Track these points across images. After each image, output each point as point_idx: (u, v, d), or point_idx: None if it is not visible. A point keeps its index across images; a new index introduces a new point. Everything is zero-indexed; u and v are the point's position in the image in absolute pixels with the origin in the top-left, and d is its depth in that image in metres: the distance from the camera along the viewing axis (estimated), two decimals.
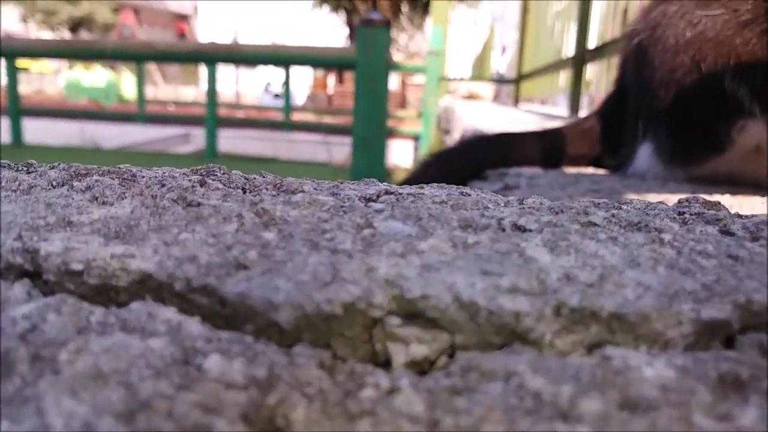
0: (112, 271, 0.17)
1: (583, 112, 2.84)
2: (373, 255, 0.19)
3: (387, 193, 0.26)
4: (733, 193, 0.65)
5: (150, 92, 14.59)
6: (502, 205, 0.25)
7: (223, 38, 14.78)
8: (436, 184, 0.31)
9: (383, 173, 2.53)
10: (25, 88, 15.80)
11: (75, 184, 0.24)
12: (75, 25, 17.63)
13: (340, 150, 6.16)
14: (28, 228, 0.19)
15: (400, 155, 7.40)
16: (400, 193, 0.26)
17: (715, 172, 0.70)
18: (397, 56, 11.90)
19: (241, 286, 0.16)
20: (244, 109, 11.81)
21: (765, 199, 0.62)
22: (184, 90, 16.52)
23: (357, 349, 0.17)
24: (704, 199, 0.30)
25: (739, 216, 0.28)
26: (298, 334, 0.17)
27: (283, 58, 2.52)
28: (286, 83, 8.75)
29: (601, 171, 0.84)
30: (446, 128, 4.15)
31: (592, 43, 2.74)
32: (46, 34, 18.08)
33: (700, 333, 0.17)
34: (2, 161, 0.31)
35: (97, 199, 0.22)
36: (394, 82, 11.77)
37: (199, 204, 0.23)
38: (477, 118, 2.91)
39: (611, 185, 0.72)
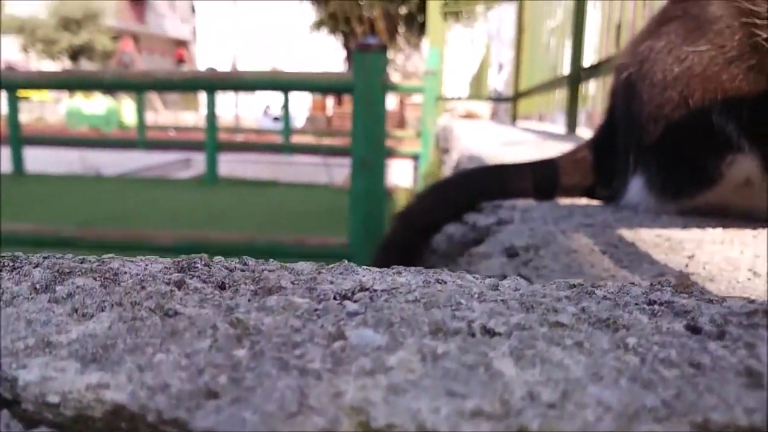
0: (87, 403, 0.18)
1: (580, 129, 2.86)
2: (342, 375, 0.20)
3: (362, 289, 0.26)
4: (725, 226, 0.65)
5: (150, 118, 14.72)
6: (476, 297, 0.25)
7: (222, 63, 14.95)
8: (413, 269, 0.30)
9: (383, 195, 2.54)
10: (26, 116, 15.95)
11: (57, 289, 0.24)
12: (75, 54, 17.85)
13: (340, 171, 6.19)
14: (8, 353, 0.19)
15: (400, 175, 7.43)
16: (375, 290, 0.26)
17: (707, 205, 0.71)
18: (394, 76, 12.01)
19: (210, 420, 0.16)
20: (243, 132, 11.91)
21: (755, 232, 0.63)
22: (185, 115, 16.66)
23: None
24: (675, 282, 0.29)
25: (710, 301, 0.27)
26: None
27: (280, 84, 2.54)
28: (285, 106, 8.82)
29: (594, 202, 0.85)
30: (445, 147, 4.17)
31: (587, 61, 2.76)
32: (47, 63, 18.30)
33: None
34: None
35: (77, 311, 0.23)
36: (392, 102, 11.87)
37: (176, 313, 0.23)
38: (475, 138, 2.93)
39: (604, 218, 0.72)
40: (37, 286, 0.26)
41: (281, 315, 0.24)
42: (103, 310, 0.24)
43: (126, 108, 11.65)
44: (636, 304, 0.26)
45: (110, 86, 2.39)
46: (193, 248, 1.91)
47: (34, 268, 0.29)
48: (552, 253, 0.61)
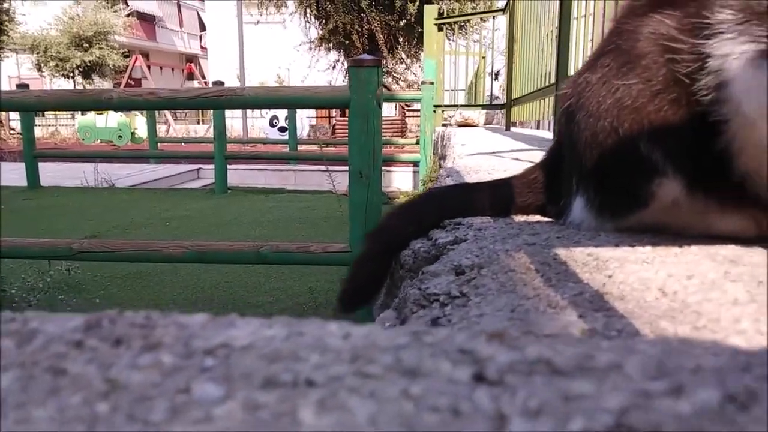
0: None
1: None
2: (175, 425, 0.23)
3: (225, 346, 0.30)
4: (655, 244, 0.71)
5: (162, 131, 14.99)
6: (318, 349, 0.29)
7: (231, 76, 15.17)
8: (282, 319, 0.34)
9: (380, 203, 2.63)
10: (41, 131, 16.26)
11: None
12: (87, 71, 18.17)
13: (345, 178, 6.35)
14: None
15: (402, 181, 7.58)
16: (235, 347, 0.30)
17: (641, 223, 0.76)
18: (396, 86, 12.17)
19: None
20: (252, 143, 12.11)
21: (680, 250, 0.69)
22: (195, 127, 16.91)
23: None
24: (491, 332, 0.32)
25: (513, 348, 0.30)
26: None
27: (280, 100, 2.68)
28: (292, 118, 9.00)
29: (545, 219, 0.91)
30: (442, 154, 4.30)
31: (572, 70, 2.88)
32: (60, 80, 18.65)
33: None
34: None
35: None
36: (392, 109, 12.02)
37: (64, 372, 0.27)
38: (465, 146, 3.06)
39: (547, 236, 0.78)
40: None
41: (148, 371, 0.26)
42: (8, 370, 0.27)
43: (138, 122, 11.87)
44: (447, 352, 0.28)
45: (118, 106, 2.55)
46: (202, 258, 2.18)
47: None
48: (492, 272, 0.65)
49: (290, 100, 2.56)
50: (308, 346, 0.30)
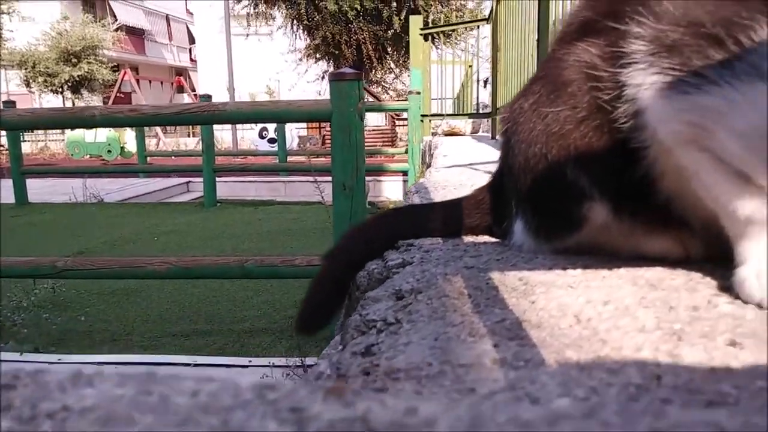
0: None
1: None
2: None
3: (64, 408, 0.30)
4: (587, 266, 0.73)
5: (152, 144, 14.96)
6: (153, 415, 0.30)
7: (221, 88, 15.19)
8: (142, 376, 0.34)
9: (364, 214, 2.63)
10: (30, 147, 16.18)
11: None
12: (76, 86, 18.15)
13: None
14: None
15: (392, 190, 7.60)
16: (74, 410, 0.30)
17: (578, 245, 0.78)
18: (385, 95, 12.22)
19: None
20: (241, 155, 12.10)
21: (608, 273, 0.70)
22: (186, 140, 16.89)
23: None
24: (330, 386, 0.33)
25: (349, 405, 0.30)
26: None
27: (262, 115, 2.68)
28: (281, 129, 9.01)
29: (492, 240, 0.93)
30: (429, 164, 4.32)
31: None
32: (49, 96, 18.62)
33: None
34: None
35: None
36: (382, 118, 12.07)
37: None
38: (450, 156, 3.08)
39: (487, 259, 0.80)
40: None
41: None
42: None
43: (128, 136, 11.84)
44: (279, 411, 0.29)
45: (101, 123, 2.54)
46: (187, 273, 2.16)
47: None
48: (428, 297, 0.66)
49: (272, 114, 2.57)
50: (149, 406, 0.30)
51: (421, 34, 5.56)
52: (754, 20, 0.54)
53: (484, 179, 1.02)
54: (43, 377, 0.34)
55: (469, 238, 0.94)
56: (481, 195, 0.95)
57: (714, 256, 0.67)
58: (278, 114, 2.53)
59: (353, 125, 2.44)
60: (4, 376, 0.34)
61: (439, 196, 1.44)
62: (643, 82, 0.63)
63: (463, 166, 2.34)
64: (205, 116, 2.52)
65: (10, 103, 6.69)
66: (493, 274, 0.73)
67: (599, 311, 0.58)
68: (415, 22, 5.75)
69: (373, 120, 12.59)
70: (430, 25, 5.78)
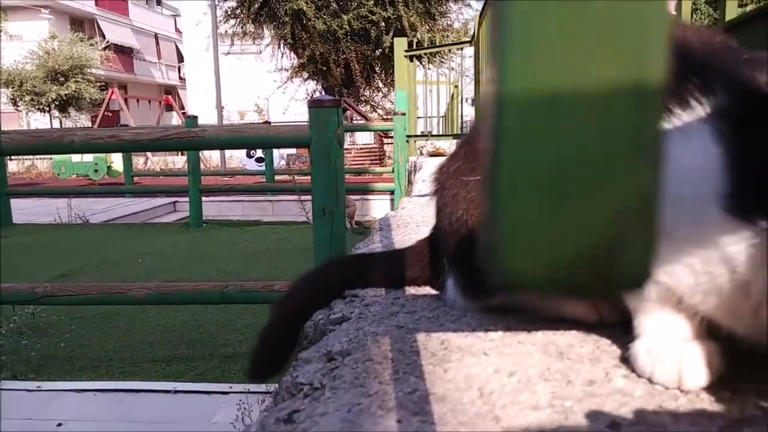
0: None
1: None
2: None
3: None
4: (509, 328, 0.75)
5: (140, 162, 14.90)
6: None
7: (210, 106, 15.21)
8: None
9: (344, 238, 2.63)
10: (17, 165, 16.07)
11: None
12: (64, 104, 18.11)
13: None
14: None
15: (379, 210, 7.62)
16: None
17: (502, 304, 0.79)
18: (373, 114, 12.30)
19: None
20: (228, 174, 12.08)
21: (526, 336, 0.72)
22: (174, 158, 16.86)
23: None
24: None
25: None
26: None
27: (242, 141, 2.68)
28: (269, 149, 9.01)
29: (432, 292, 0.94)
30: (414, 183, 4.35)
31: None
32: (36, 114, 18.55)
33: None
34: None
35: None
36: (370, 137, 12.14)
37: None
38: (429, 182, 3.10)
39: (420, 317, 0.81)
40: None
41: None
42: None
43: (115, 155, 11.77)
44: None
45: (80, 149, 2.54)
46: (166, 299, 2.14)
47: None
48: (354, 360, 0.67)
49: (252, 140, 2.58)
50: None
51: (406, 56, 5.62)
52: None
53: None
54: None
55: (411, 290, 0.96)
56: (422, 247, 0.96)
57: (626, 320, 0.68)
58: (257, 140, 2.54)
59: (332, 151, 2.45)
60: None
61: (399, 234, 1.47)
62: None
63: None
64: (185, 142, 2.52)
65: None
66: (419, 335, 0.74)
67: (503, 383, 0.59)
68: (400, 44, 5.81)
69: (362, 138, 12.63)
70: (416, 46, 5.83)
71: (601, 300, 0.73)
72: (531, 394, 0.57)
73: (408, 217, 1.76)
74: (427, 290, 0.95)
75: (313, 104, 2.52)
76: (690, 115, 0.53)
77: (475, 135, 0.80)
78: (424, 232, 1.01)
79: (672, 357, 0.56)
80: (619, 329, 0.69)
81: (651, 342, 0.58)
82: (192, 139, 2.48)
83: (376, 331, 0.77)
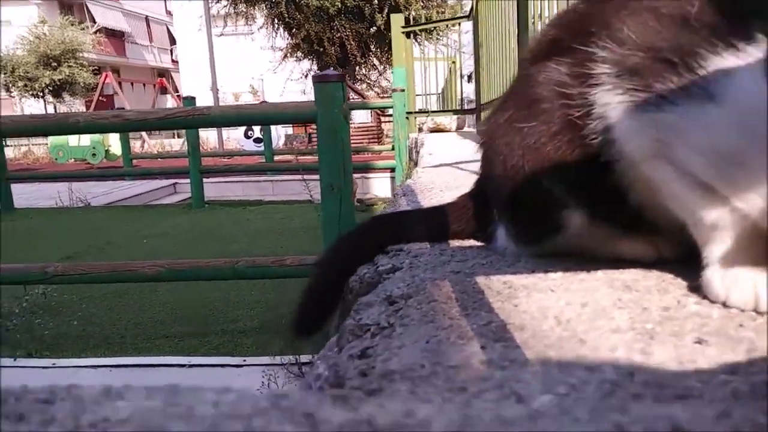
0: None
1: None
2: None
3: (104, 420, 0.34)
4: (567, 269, 0.77)
5: (137, 146, 14.84)
6: (183, 422, 0.34)
7: (204, 89, 15.09)
8: (166, 388, 0.38)
9: (352, 213, 2.65)
10: (13, 152, 15.98)
11: None
12: (57, 89, 17.93)
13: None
14: None
15: (380, 187, 7.65)
16: (113, 420, 0.35)
17: (557, 249, 0.82)
18: (369, 92, 12.24)
19: None
20: (227, 155, 12.06)
21: (585, 276, 0.74)
22: (170, 141, 16.79)
23: None
24: (333, 396, 0.37)
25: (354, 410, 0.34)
26: None
27: (247, 118, 2.70)
28: (267, 129, 9.00)
29: (477, 244, 0.96)
30: (416, 161, 4.36)
31: None
32: (30, 100, 18.38)
33: None
34: None
35: None
36: (368, 116, 12.10)
37: None
38: (436, 155, 3.12)
39: (473, 263, 0.84)
40: None
41: None
42: None
43: (112, 139, 11.72)
44: (294, 416, 0.34)
45: (85, 130, 2.55)
46: (178, 276, 2.20)
47: None
48: (418, 302, 0.68)
49: (257, 117, 2.59)
50: (177, 415, 0.35)
51: (402, 32, 5.60)
52: (703, 49, 0.59)
53: (469, 180, 1.05)
54: (77, 392, 0.38)
55: (455, 243, 0.97)
56: (465, 202, 0.99)
57: (683, 257, 0.71)
58: (263, 117, 2.56)
59: (339, 126, 2.47)
60: (41, 392, 0.37)
61: (425, 198, 1.47)
62: (610, 101, 0.67)
63: (449, 165, 2.38)
64: (191, 120, 2.54)
65: None
66: (478, 278, 0.76)
67: (578, 313, 0.61)
68: (397, 20, 5.78)
69: (359, 117, 12.60)
70: (412, 23, 5.81)
71: (659, 236, 0.75)
72: (608, 320, 0.58)
73: (429, 183, 1.76)
74: (471, 243, 0.97)
75: (319, 79, 2.53)
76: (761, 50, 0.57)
77: (522, 85, 0.81)
78: (450, 195, 1.04)
79: (747, 281, 0.59)
80: (679, 266, 0.71)
81: (724, 269, 0.61)
82: (198, 117, 2.51)
83: (432, 277, 0.78)
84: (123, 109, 12.82)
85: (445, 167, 2.31)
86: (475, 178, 1.02)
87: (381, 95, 11.64)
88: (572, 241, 0.79)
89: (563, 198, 0.75)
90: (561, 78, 0.74)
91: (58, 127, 2.91)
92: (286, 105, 2.55)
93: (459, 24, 5.71)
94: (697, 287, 0.64)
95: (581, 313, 0.61)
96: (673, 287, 0.67)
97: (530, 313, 0.62)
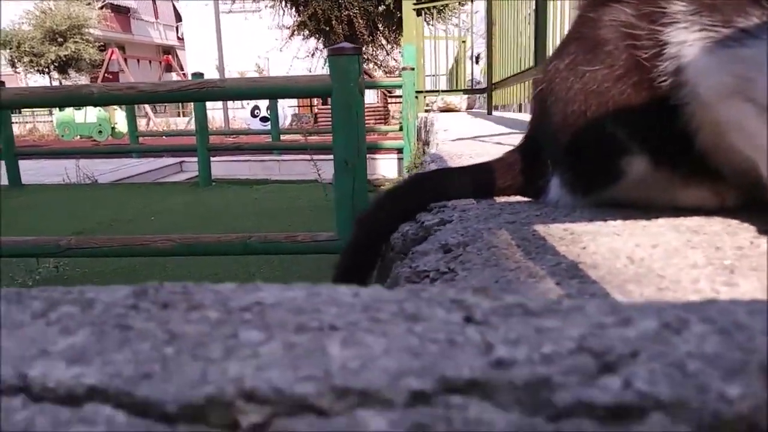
0: (72, 386, 0.27)
1: None
2: (230, 360, 0.28)
3: (258, 303, 0.35)
4: (625, 217, 0.76)
5: (142, 124, 14.82)
6: (335, 303, 0.35)
7: (209, 66, 15.01)
8: (299, 285, 0.39)
9: (366, 190, 2.64)
10: (18, 128, 15.98)
11: (50, 315, 0.34)
12: (63, 65, 17.87)
13: (329, 166, 6.37)
14: (20, 359, 0.29)
15: (387, 168, 7.62)
16: (266, 304, 0.35)
17: (613, 199, 0.80)
18: (376, 72, 12.15)
19: (146, 391, 0.26)
20: (234, 134, 12.03)
21: (647, 223, 0.73)
22: (176, 120, 16.74)
23: (219, 422, 0.26)
24: (474, 288, 0.38)
25: (495, 299, 0.35)
26: (181, 417, 0.26)
27: (261, 91, 2.68)
28: (273, 107, 8.96)
29: (525, 199, 0.95)
30: (426, 140, 4.34)
31: (551, 51, 2.91)
32: (36, 76, 18.32)
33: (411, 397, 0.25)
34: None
35: (62, 331, 0.32)
36: (374, 96, 12.02)
37: (129, 327, 0.32)
38: (451, 131, 3.10)
39: (526, 215, 0.82)
40: (35, 314, 0.35)
41: (198, 325, 0.32)
42: (81, 328, 0.32)
43: (118, 116, 11.70)
44: (441, 302, 0.34)
45: (98, 101, 2.54)
46: (190, 250, 2.20)
47: (33, 300, 0.37)
48: (477, 248, 0.68)
49: (271, 90, 2.57)
50: (325, 302, 0.35)
51: (414, 9, 5.53)
52: None
53: (498, 150, 1.03)
54: (212, 287, 0.38)
55: (501, 199, 0.96)
56: (512, 157, 0.97)
57: (748, 205, 0.70)
58: (276, 90, 2.53)
59: (354, 101, 2.43)
60: (180, 286, 0.38)
61: (456, 164, 1.44)
62: (686, 39, 0.66)
63: (469, 139, 2.36)
64: (204, 93, 2.51)
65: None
66: (536, 226, 0.74)
67: (650, 253, 0.60)
68: None
69: (366, 97, 12.50)
70: (423, 0, 5.74)
71: (723, 184, 0.74)
72: (683, 258, 0.57)
73: (457, 152, 1.72)
74: (519, 198, 0.95)
75: (334, 52, 2.49)
76: None
77: (585, 28, 0.78)
78: (485, 160, 1.01)
79: None
80: (742, 212, 0.70)
81: None
82: (212, 90, 2.48)
83: (486, 227, 0.76)
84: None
85: (466, 140, 2.29)
86: (502, 149, 1.00)
87: (388, 74, 11.55)
88: (632, 190, 0.78)
89: (626, 143, 0.74)
90: (627, 19, 0.72)
91: (72, 98, 2.90)
92: (300, 78, 2.52)
93: (472, 2, 5.64)
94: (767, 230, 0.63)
95: (653, 253, 0.60)
96: (741, 231, 0.66)
97: (600, 254, 0.61)
